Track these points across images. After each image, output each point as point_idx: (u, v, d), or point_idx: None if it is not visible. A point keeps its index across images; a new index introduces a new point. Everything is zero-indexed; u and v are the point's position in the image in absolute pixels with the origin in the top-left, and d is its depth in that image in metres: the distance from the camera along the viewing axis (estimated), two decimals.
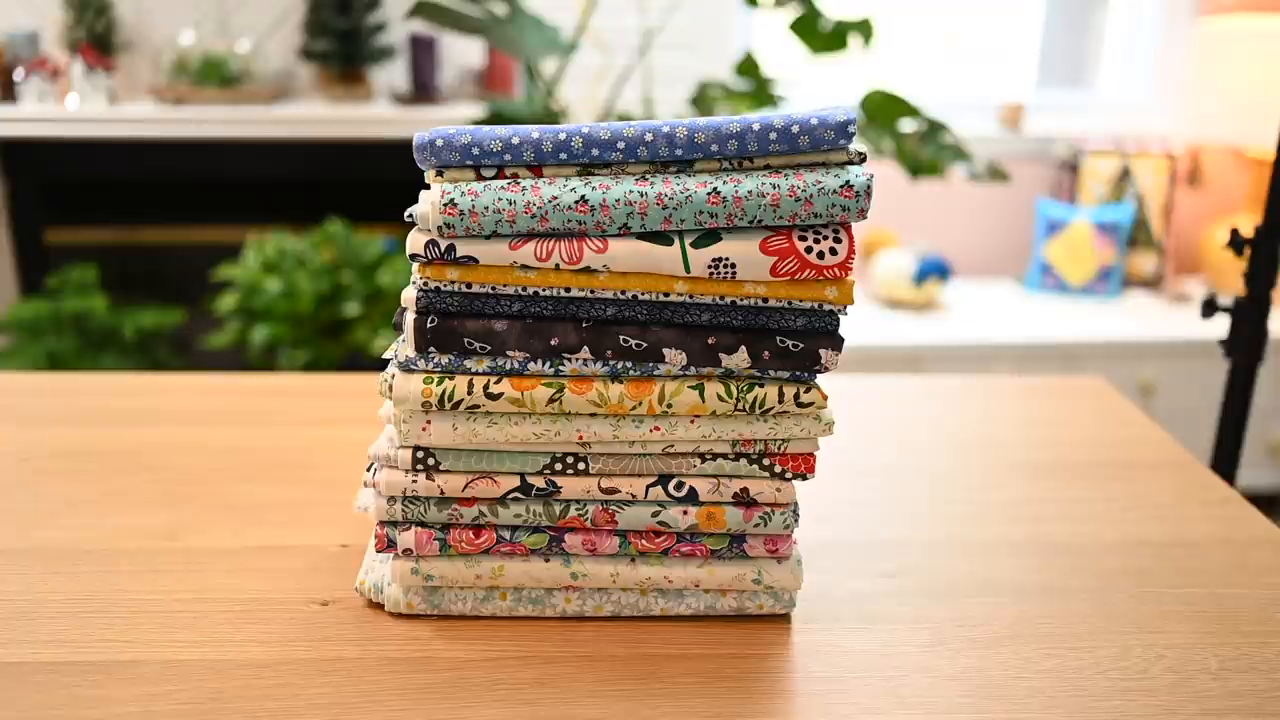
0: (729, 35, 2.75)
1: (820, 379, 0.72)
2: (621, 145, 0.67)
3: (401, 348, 0.71)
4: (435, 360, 0.70)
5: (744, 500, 0.72)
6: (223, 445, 1.03)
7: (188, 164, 2.75)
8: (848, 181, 0.66)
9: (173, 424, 1.07)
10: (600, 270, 0.67)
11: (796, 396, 0.70)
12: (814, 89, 2.72)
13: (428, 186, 0.69)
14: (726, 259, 0.67)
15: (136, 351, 2.63)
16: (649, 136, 0.67)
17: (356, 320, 2.39)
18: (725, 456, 0.72)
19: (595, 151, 0.67)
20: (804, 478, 0.73)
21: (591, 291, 0.68)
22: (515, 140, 0.67)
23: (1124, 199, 2.72)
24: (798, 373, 0.70)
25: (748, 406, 0.70)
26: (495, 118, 2.10)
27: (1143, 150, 2.71)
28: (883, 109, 2.11)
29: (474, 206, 0.66)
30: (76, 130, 2.57)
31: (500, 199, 0.66)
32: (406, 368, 0.70)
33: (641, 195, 0.66)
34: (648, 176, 0.68)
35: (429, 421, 0.70)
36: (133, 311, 2.66)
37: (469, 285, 0.68)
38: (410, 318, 0.70)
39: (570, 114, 2.29)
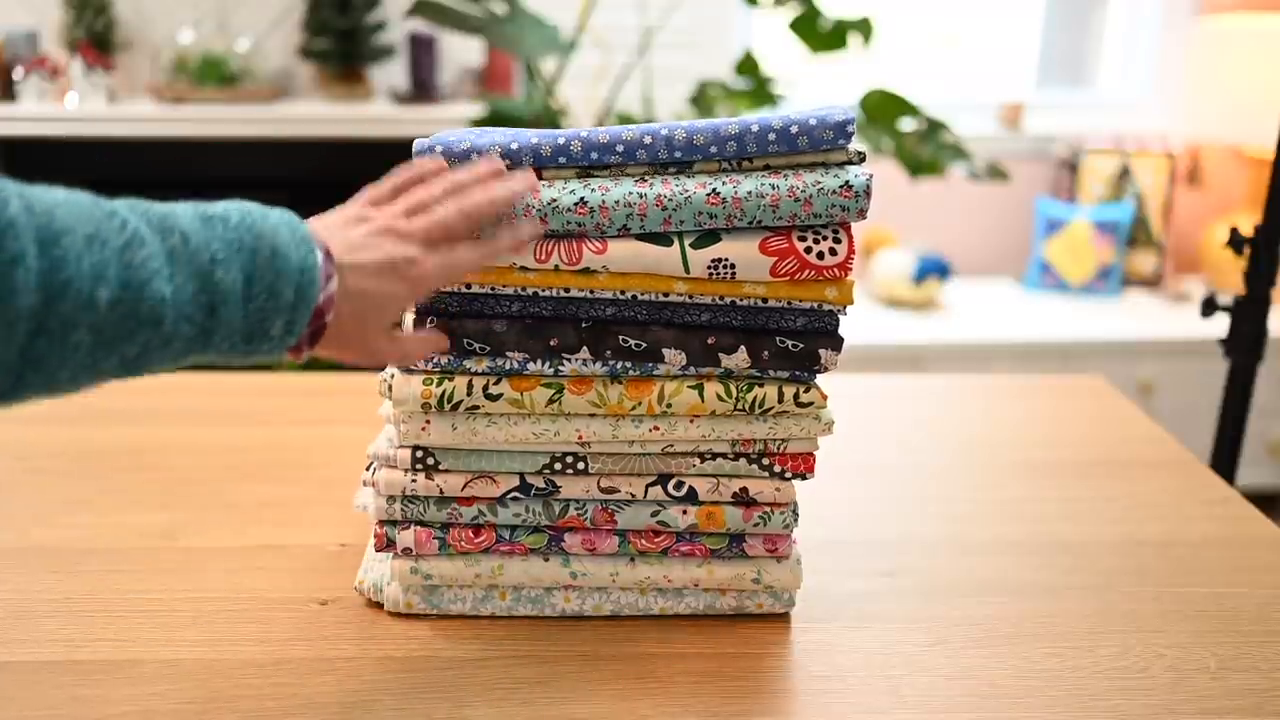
0: (729, 34, 2.75)
1: (820, 379, 0.72)
2: (620, 148, 0.67)
3: None
4: (435, 360, 0.70)
5: (743, 500, 0.72)
6: (222, 445, 1.03)
7: (187, 163, 2.75)
8: (847, 181, 0.66)
9: (172, 424, 1.07)
10: (599, 271, 0.67)
11: (796, 396, 0.70)
12: (814, 88, 2.72)
13: None
14: (726, 259, 0.66)
15: None
16: (648, 139, 0.67)
17: None
18: (725, 456, 0.72)
19: (594, 155, 0.67)
20: (803, 477, 0.73)
21: (591, 292, 0.68)
22: (514, 145, 0.67)
23: (1123, 198, 2.72)
24: (797, 372, 0.70)
25: (747, 406, 0.70)
26: (495, 117, 2.10)
27: (1142, 149, 2.71)
28: (882, 108, 2.11)
29: None
30: (76, 129, 2.57)
31: None
32: (406, 368, 0.70)
33: (641, 197, 0.66)
34: (647, 178, 0.68)
35: (428, 421, 0.70)
36: None
37: (468, 285, 0.68)
38: (409, 318, 0.70)
39: (570, 113, 2.29)
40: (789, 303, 0.69)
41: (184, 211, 0.52)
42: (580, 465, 0.71)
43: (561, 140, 0.67)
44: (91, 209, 0.48)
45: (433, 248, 0.61)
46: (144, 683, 0.67)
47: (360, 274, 0.58)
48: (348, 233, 0.59)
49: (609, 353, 0.69)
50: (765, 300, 0.68)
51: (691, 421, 0.70)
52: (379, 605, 0.76)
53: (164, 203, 0.52)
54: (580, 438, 0.70)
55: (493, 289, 0.68)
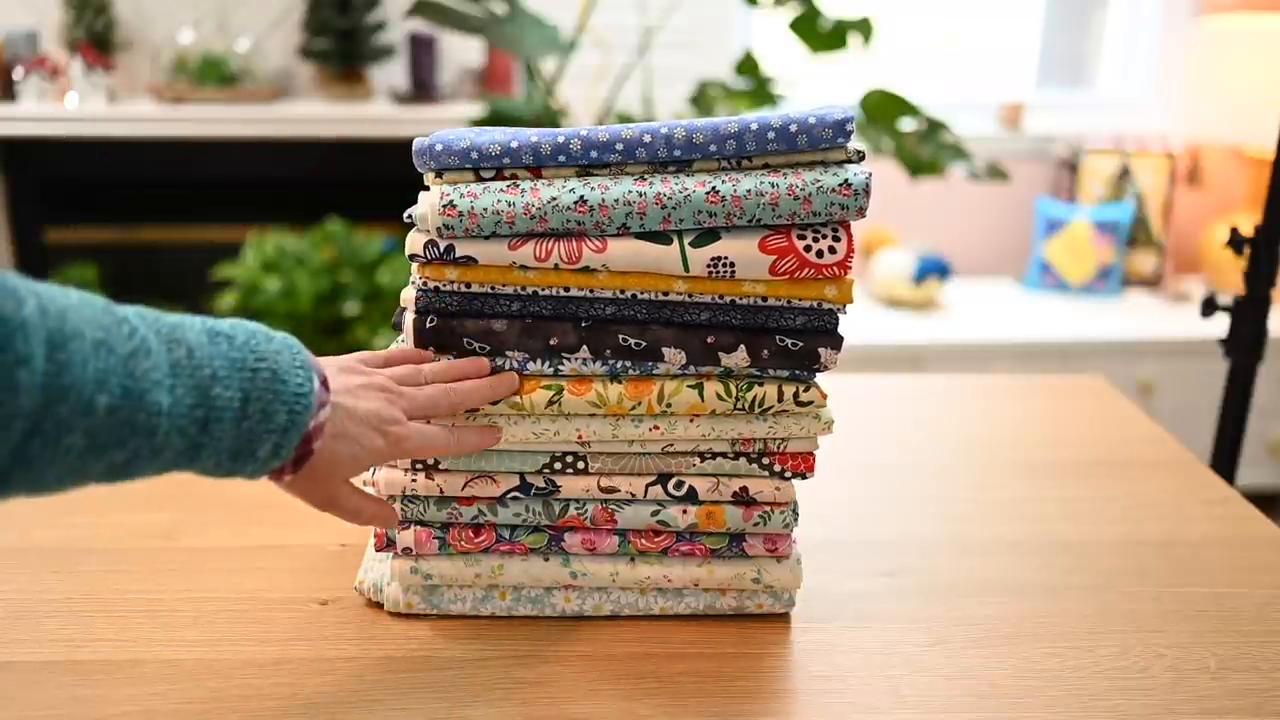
0: (729, 34, 2.75)
1: (819, 378, 0.72)
2: (620, 147, 0.67)
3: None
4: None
5: (743, 499, 0.72)
6: None
7: (187, 163, 2.75)
8: (846, 180, 0.66)
9: None
10: (599, 270, 0.67)
11: (796, 395, 0.70)
12: (814, 88, 2.72)
13: (427, 187, 0.69)
14: (725, 258, 0.66)
15: None
16: (647, 138, 0.67)
17: (356, 319, 2.38)
18: (725, 455, 0.72)
19: (594, 153, 0.67)
20: (803, 477, 0.73)
21: (591, 291, 0.68)
22: (514, 145, 0.67)
23: (1123, 198, 2.72)
24: (797, 371, 0.70)
25: (747, 405, 0.70)
26: (494, 117, 2.10)
27: (1142, 149, 2.71)
28: (882, 108, 2.11)
29: (473, 208, 0.66)
30: (76, 129, 2.57)
31: (499, 200, 0.66)
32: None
33: (640, 195, 0.66)
34: (646, 176, 0.68)
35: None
36: None
37: (468, 285, 0.68)
38: (410, 317, 0.70)
39: (570, 113, 2.29)
40: (788, 301, 0.69)
41: (192, 325, 0.54)
42: (580, 465, 0.71)
43: (561, 139, 0.67)
44: (103, 315, 0.49)
45: (414, 417, 0.65)
46: (144, 683, 0.67)
47: (350, 416, 0.61)
48: (345, 378, 0.62)
49: (609, 352, 0.69)
50: (765, 299, 0.68)
51: (691, 421, 0.70)
52: (379, 605, 0.76)
53: (174, 315, 0.54)
54: (580, 437, 0.70)
55: (493, 288, 0.68)
